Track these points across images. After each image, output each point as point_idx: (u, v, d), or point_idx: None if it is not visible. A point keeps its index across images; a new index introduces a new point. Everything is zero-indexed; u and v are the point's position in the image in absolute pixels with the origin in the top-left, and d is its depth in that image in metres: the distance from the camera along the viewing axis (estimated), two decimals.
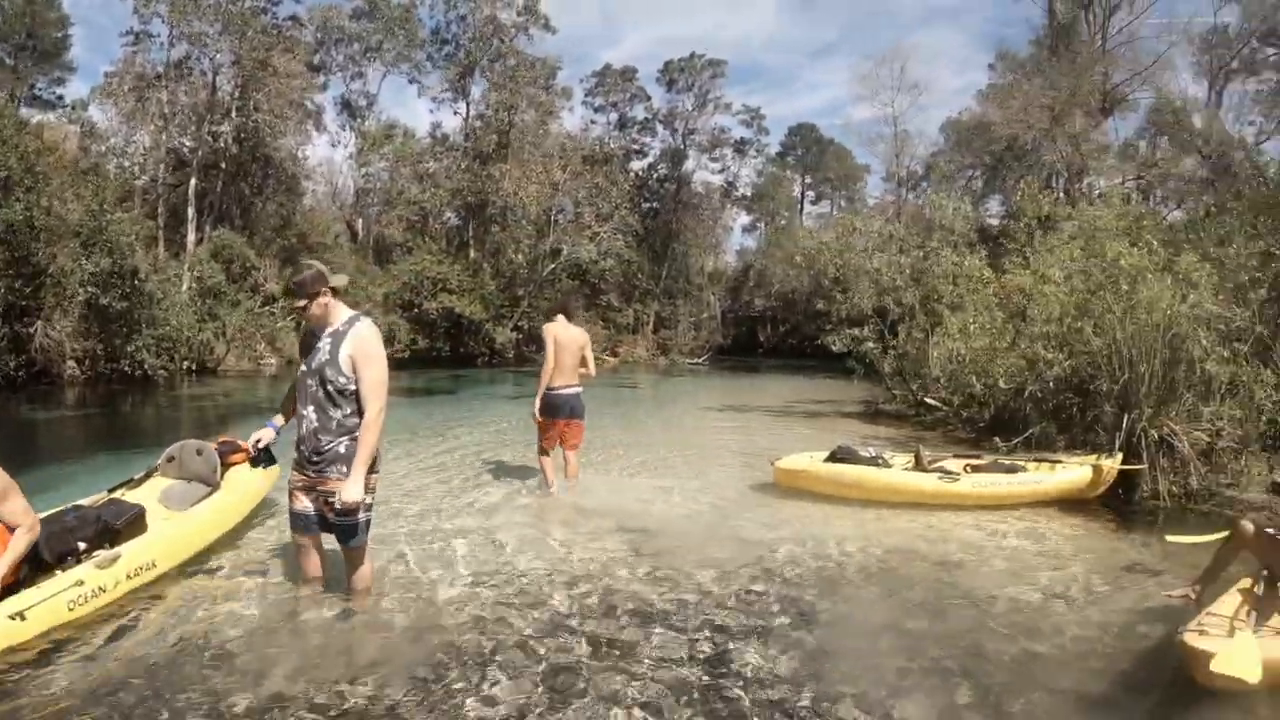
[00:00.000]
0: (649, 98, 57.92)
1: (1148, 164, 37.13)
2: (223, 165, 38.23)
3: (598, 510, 9.61)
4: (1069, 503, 10.59)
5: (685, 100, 57.60)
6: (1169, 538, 7.71)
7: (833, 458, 10.81)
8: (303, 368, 5.88)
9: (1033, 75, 38.56)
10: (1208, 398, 11.54)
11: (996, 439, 13.64)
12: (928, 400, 18.01)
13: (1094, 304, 12.46)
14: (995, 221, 34.04)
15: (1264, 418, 11.38)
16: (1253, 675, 4.89)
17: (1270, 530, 6.56)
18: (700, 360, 50.01)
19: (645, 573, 7.40)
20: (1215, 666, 4.94)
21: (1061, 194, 29.24)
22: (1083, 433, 12.34)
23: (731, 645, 5.80)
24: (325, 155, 46.80)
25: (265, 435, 6.43)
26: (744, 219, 69.31)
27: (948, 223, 21.26)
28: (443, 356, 39.65)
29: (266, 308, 33.80)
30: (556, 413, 10.07)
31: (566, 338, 10.06)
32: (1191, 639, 5.24)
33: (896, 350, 19.44)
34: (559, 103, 50.50)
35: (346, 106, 46.94)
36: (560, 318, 10.24)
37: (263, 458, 6.24)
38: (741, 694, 5.08)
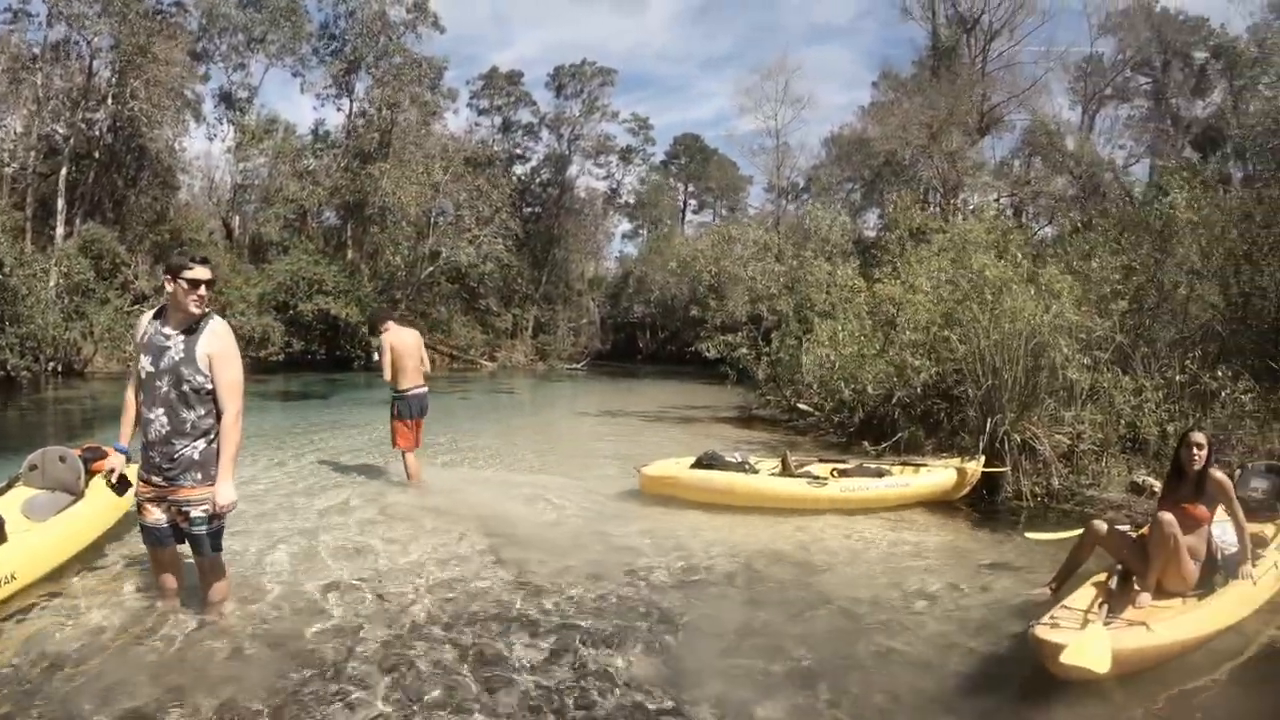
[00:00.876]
0: (534, 102, 57.62)
1: (1021, 182, 38.23)
2: (96, 155, 36.62)
3: (464, 515, 9.50)
4: (935, 504, 10.86)
5: (573, 106, 57.28)
6: (1028, 534, 8.09)
7: (699, 463, 10.71)
8: (147, 369, 5.49)
9: (913, 94, 39.40)
10: (1070, 403, 11.96)
11: (865, 443, 13.87)
12: (800, 405, 18.22)
13: (960, 313, 12.78)
14: (872, 233, 34.62)
15: (1123, 422, 11.80)
16: (1101, 665, 5.06)
17: (1120, 528, 6.86)
18: (579, 366, 49.52)
19: (509, 578, 7.34)
20: (1065, 658, 5.08)
21: (937, 208, 29.83)
22: (950, 436, 12.71)
23: (594, 650, 5.78)
24: (203, 148, 45.35)
25: (116, 463, 5.92)
26: (626, 226, 69.40)
27: (823, 233, 21.57)
28: (318, 360, 38.65)
29: (137, 306, 32.21)
30: (409, 413, 10.74)
31: (403, 342, 10.72)
32: (1043, 632, 5.41)
33: (770, 357, 19.55)
34: (444, 103, 49.68)
35: (226, 99, 45.03)
36: (390, 324, 10.86)
37: (121, 486, 5.88)
38: (601, 699, 5.07)
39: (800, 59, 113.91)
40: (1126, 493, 10.92)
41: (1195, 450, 6.60)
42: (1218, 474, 6.60)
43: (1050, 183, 36.83)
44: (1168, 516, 6.26)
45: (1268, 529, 7.96)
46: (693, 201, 71.38)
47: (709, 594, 7.30)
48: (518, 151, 57.76)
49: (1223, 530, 7.31)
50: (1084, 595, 6.18)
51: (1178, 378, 12.28)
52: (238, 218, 45.53)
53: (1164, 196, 16.04)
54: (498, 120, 57.23)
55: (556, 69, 57.01)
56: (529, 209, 56.20)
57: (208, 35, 43.50)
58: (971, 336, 12.00)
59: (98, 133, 36.84)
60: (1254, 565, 6.75)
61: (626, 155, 61.75)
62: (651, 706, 4.99)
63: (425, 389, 10.94)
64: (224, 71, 44.79)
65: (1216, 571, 6.67)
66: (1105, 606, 5.94)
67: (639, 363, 54.48)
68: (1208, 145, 34.76)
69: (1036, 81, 42.00)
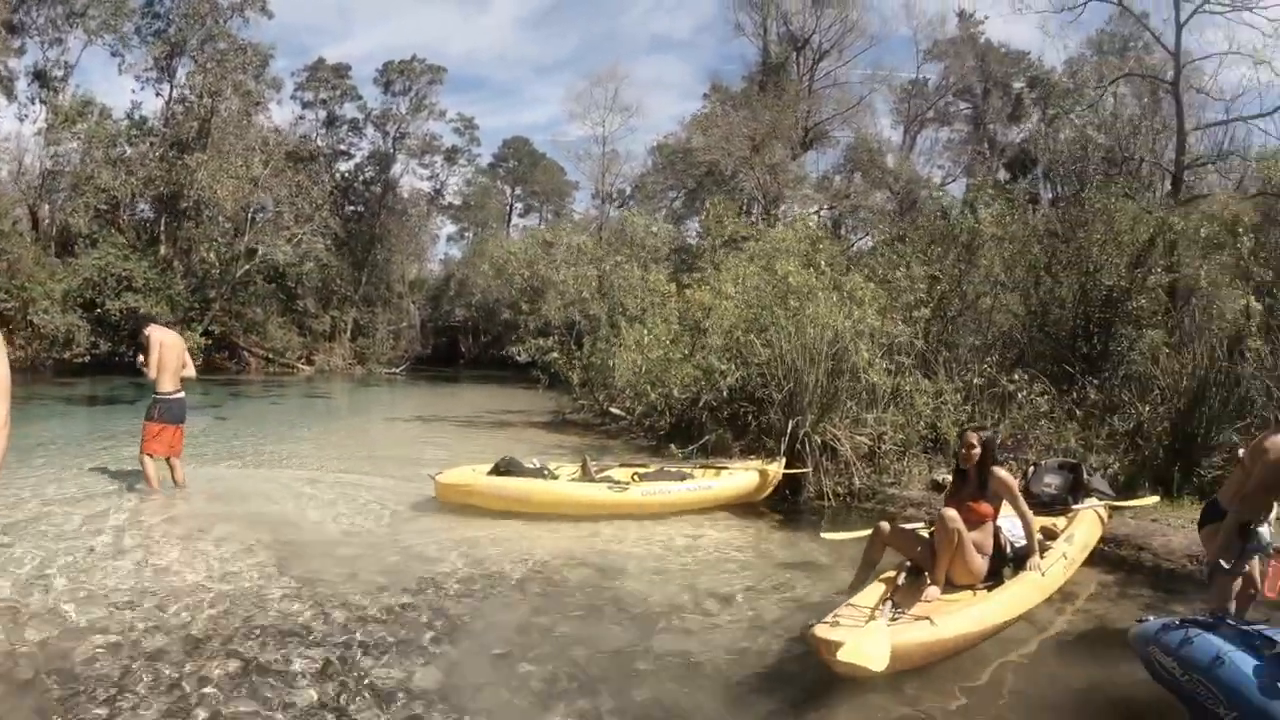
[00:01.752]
0: (360, 96, 55.81)
1: (840, 195, 39.07)
2: None
3: (255, 524, 9.02)
4: (739, 506, 10.79)
5: (400, 104, 55.84)
6: (824, 535, 8.03)
7: (496, 470, 10.31)
8: None
9: (739, 107, 39.88)
10: (872, 406, 12.12)
11: (673, 446, 13.82)
12: (612, 410, 18.04)
13: (763, 318, 12.85)
14: (695, 241, 34.90)
15: (923, 423, 11.95)
16: (878, 663, 5.00)
17: (909, 526, 6.89)
18: (398, 370, 48.36)
19: (295, 588, 6.97)
20: (842, 655, 5.01)
21: (758, 219, 30.24)
22: (757, 439, 12.63)
23: (374, 662, 5.55)
24: (13, 129, 41.91)
25: None
26: (451, 228, 68.34)
27: (639, 239, 21.56)
28: (127, 362, 36.09)
29: None
30: (169, 417, 10.13)
31: (170, 340, 10.28)
32: (822, 631, 5.36)
33: (582, 361, 19.33)
34: (268, 94, 47.17)
35: (39, 76, 41.40)
36: (153, 327, 10.46)
37: None
38: (379, 713, 4.86)
39: (633, 68, 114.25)
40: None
41: (968, 448, 6.73)
42: (1000, 471, 6.66)
43: (869, 197, 37.77)
44: (950, 512, 6.35)
45: (1059, 522, 8.23)
46: (519, 205, 70.98)
47: (498, 602, 7.09)
48: (342, 147, 55.88)
49: (1012, 524, 7.51)
50: (872, 593, 6.20)
51: (976, 381, 12.63)
52: (46, 206, 42.17)
53: (974, 212, 16.52)
54: (322, 114, 55.33)
55: (385, 65, 55.52)
56: (351, 208, 54.39)
57: (25, 6, 40.29)
58: (775, 341, 12.02)
59: None
60: (1042, 557, 6.91)
61: (451, 156, 60.49)
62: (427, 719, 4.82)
63: (182, 394, 10.35)
64: (39, 46, 41.44)
65: (1006, 564, 6.79)
66: (891, 603, 5.97)
67: (460, 367, 53.70)
68: (1020, 168, 36.32)
69: (861, 100, 43.22)
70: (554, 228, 32.64)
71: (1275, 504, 5.78)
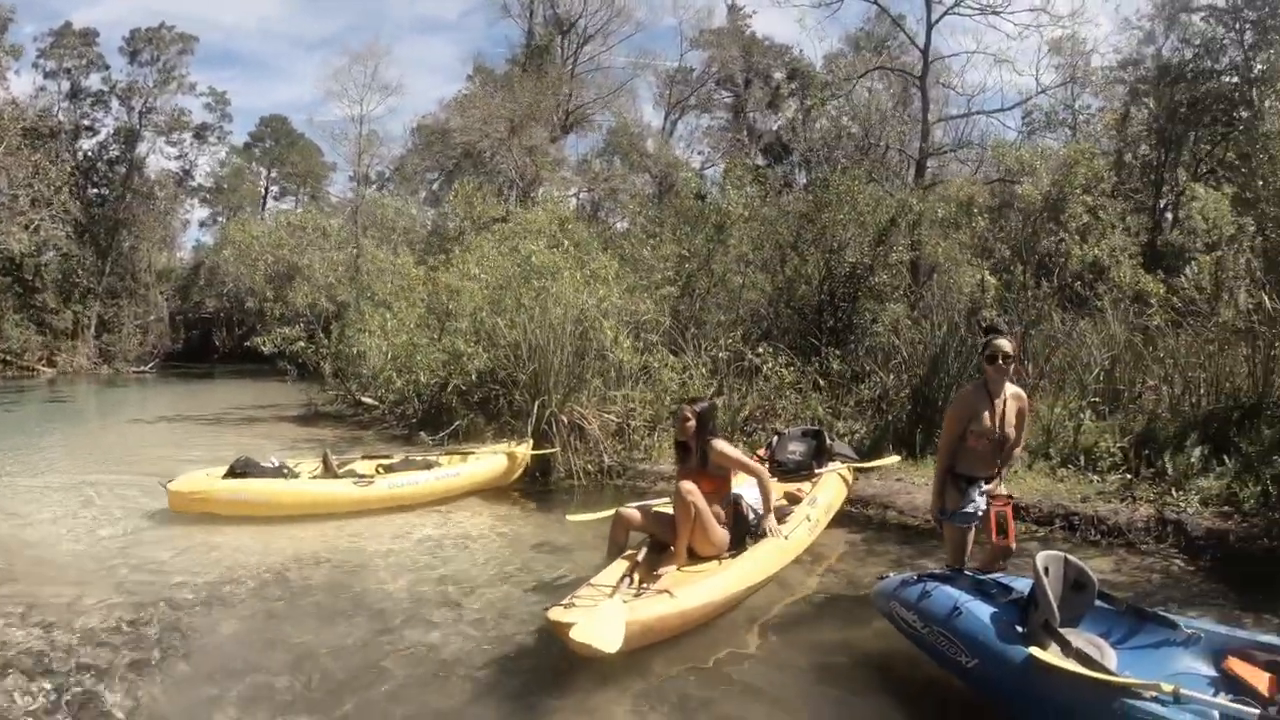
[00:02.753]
0: (108, 66, 50.66)
1: (599, 178, 39.15)
2: None
3: None
4: (489, 491, 10.60)
5: (148, 75, 50.93)
6: (569, 518, 7.81)
7: (231, 473, 9.55)
8: None
9: (499, 88, 39.39)
10: (620, 383, 12.14)
11: (423, 434, 13.52)
12: (364, 399, 17.50)
13: (506, 298, 12.64)
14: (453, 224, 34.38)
15: (669, 398, 11.96)
16: (611, 643, 4.91)
17: (647, 504, 6.93)
18: (147, 368, 45.32)
19: (15, 614, 6.33)
20: (575, 636, 4.91)
21: (515, 201, 29.99)
22: (510, 422, 12.35)
23: (103, 685, 5.14)
24: None
25: None
26: (203, 212, 64.11)
27: (390, 222, 21.06)
28: None
29: None
30: None
31: None
32: (556, 613, 5.27)
33: (329, 349, 18.68)
34: (6, 61, 42.35)
35: None
36: None
37: None
38: None
39: (399, 49, 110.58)
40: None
41: (683, 422, 6.76)
42: (717, 443, 6.65)
43: (628, 181, 38.00)
44: (687, 485, 6.32)
45: (805, 487, 8.33)
46: (275, 188, 67.47)
47: (236, 612, 6.66)
48: (85, 123, 50.81)
49: (755, 493, 7.61)
50: (614, 571, 6.12)
51: (722, 355, 12.79)
52: None
53: (724, 192, 16.78)
54: (66, 86, 49.97)
55: (132, 32, 50.79)
56: (94, 190, 50.04)
57: None
58: (519, 322, 11.85)
59: None
60: (784, 522, 7.07)
61: (202, 133, 56.12)
62: None
63: None
64: None
65: (749, 532, 6.81)
66: (630, 580, 5.93)
67: (215, 362, 50.71)
68: (776, 154, 37.49)
69: (624, 85, 43.64)
70: (305, 211, 31.10)
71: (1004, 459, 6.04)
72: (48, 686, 5.10)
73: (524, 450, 10.93)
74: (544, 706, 4.96)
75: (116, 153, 51.70)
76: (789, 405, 12.31)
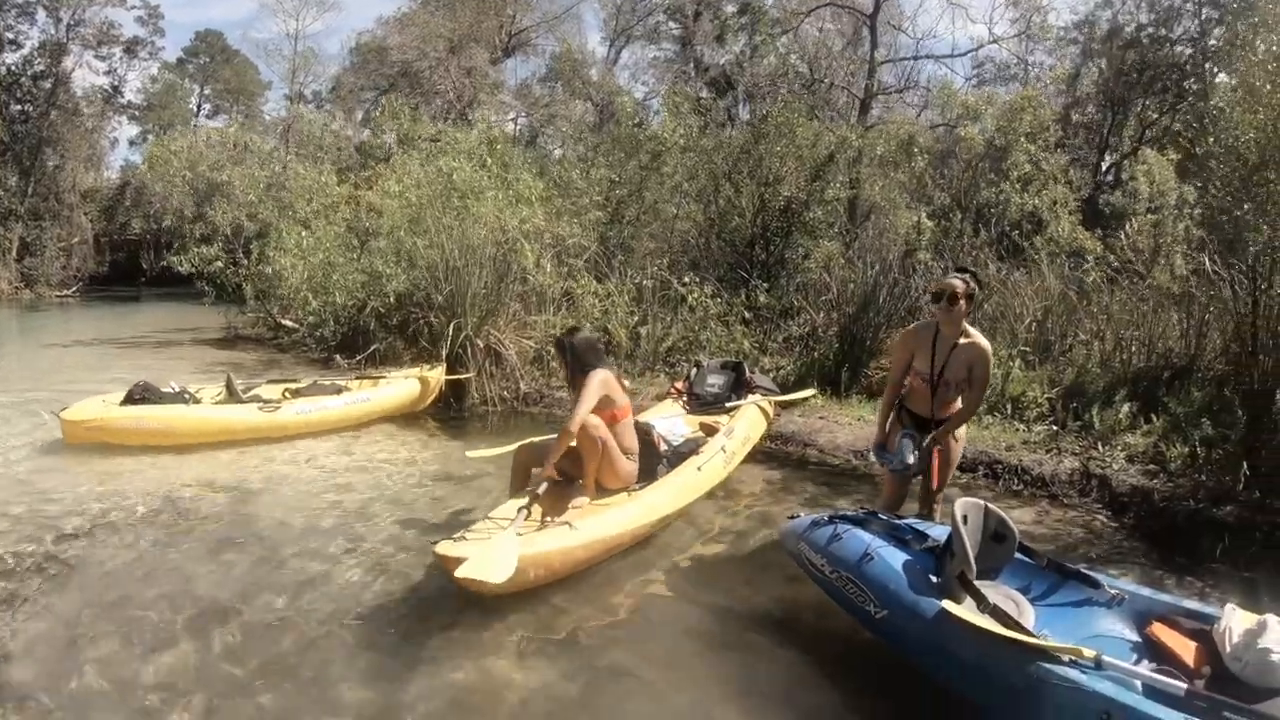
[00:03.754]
0: None
1: (539, 104, 38.55)
2: None
3: None
4: (401, 418, 10.29)
5: None
6: (468, 454, 7.40)
7: (129, 399, 8.99)
8: None
9: (440, 7, 38.46)
10: (541, 308, 11.88)
11: (338, 357, 13.27)
12: (284, 322, 16.99)
13: (426, 218, 12.20)
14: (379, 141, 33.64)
15: (590, 325, 11.58)
16: (498, 577, 4.69)
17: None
18: (70, 291, 43.90)
19: None
20: (461, 572, 4.71)
21: (453, 123, 29.42)
22: (431, 346, 11.94)
23: None
24: None
25: None
26: (131, 130, 62.25)
27: (317, 140, 20.49)
28: None
29: None
30: None
31: None
32: (444, 547, 5.08)
33: (249, 270, 18.00)
34: None
35: None
36: None
37: None
38: None
39: None
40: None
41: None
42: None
43: (568, 107, 37.36)
44: (592, 419, 6.03)
45: (721, 419, 8.02)
46: (208, 105, 65.64)
47: (123, 540, 6.42)
48: (9, 36, 48.01)
49: (670, 424, 7.39)
50: (515, 504, 5.85)
51: (647, 283, 12.42)
52: None
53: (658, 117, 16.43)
54: None
55: None
56: (17, 107, 48.07)
57: None
58: (437, 242, 11.45)
59: None
60: (697, 454, 6.88)
61: (132, 48, 54.16)
62: (18, 678, 4.43)
63: None
64: None
65: (660, 463, 6.65)
66: (528, 513, 5.68)
67: (142, 285, 49.29)
68: (721, 89, 36.94)
69: (569, 10, 42.64)
70: (228, 126, 30.00)
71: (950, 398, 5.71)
72: None
73: (437, 375, 10.58)
74: (427, 644, 4.76)
75: (41, 67, 49.02)
76: (714, 338, 12.00)
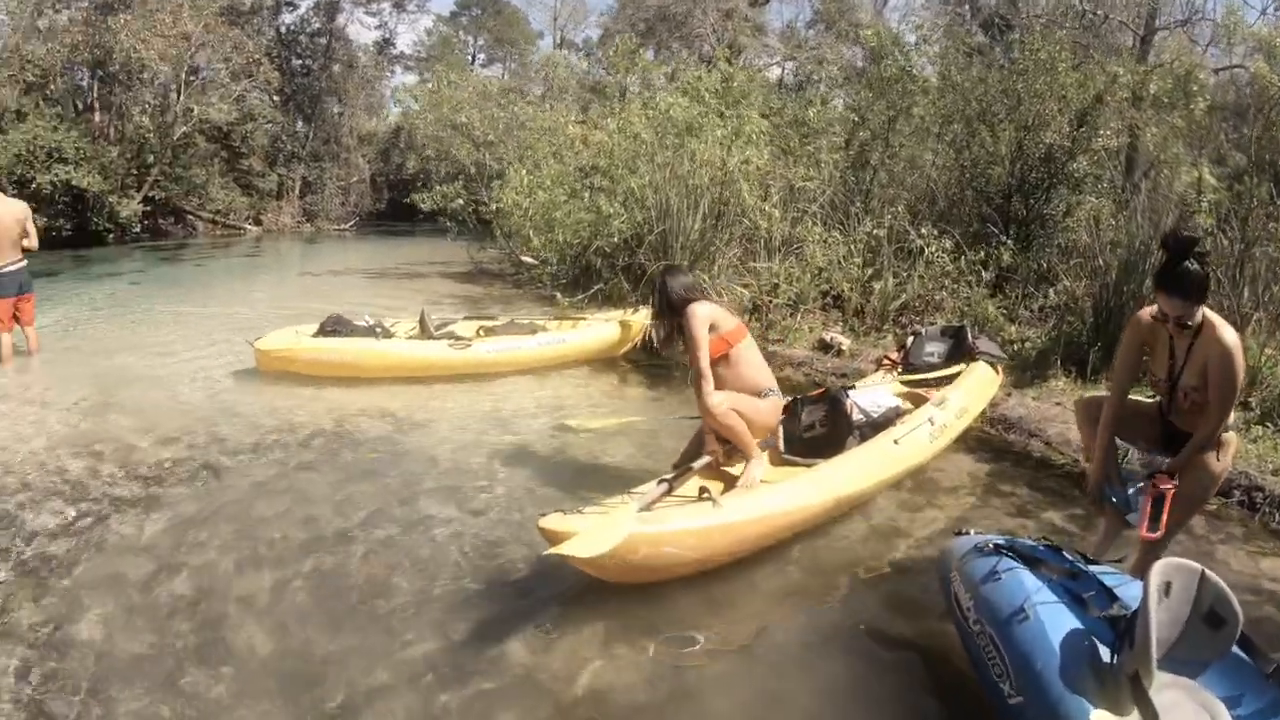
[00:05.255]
0: None
1: (805, 47, 37.31)
2: None
3: (85, 385, 8.84)
4: (600, 362, 9.86)
5: None
6: (569, 423, 7.30)
7: (322, 331, 9.13)
8: None
9: None
10: (768, 254, 11.05)
11: (558, 295, 12.97)
12: (525, 258, 16.84)
13: (643, 153, 11.71)
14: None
15: (821, 277, 10.74)
16: (584, 552, 4.01)
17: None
18: (347, 227, 47.08)
19: (81, 446, 6.90)
20: (557, 550, 4.06)
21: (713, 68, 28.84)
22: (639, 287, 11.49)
23: (115, 517, 5.52)
24: None
25: None
26: (409, 78, 65.39)
27: (560, 82, 20.37)
28: (64, 236, 34.18)
29: None
30: (4, 291, 9.82)
31: (2, 213, 9.75)
32: (550, 520, 4.27)
33: (489, 207, 17.94)
34: None
35: None
36: None
37: None
38: (89, 560, 4.90)
39: None
40: (813, 349, 10.04)
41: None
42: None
43: (835, 51, 35.91)
44: (714, 401, 5.19)
45: (932, 391, 6.93)
46: (482, 56, 68.05)
47: (274, 459, 6.70)
48: None
49: (875, 395, 6.37)
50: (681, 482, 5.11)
51: (878, 232, 11.35)
52: None
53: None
54: None
55: None
56: (298, 61, 51.82)
57: None
58: (652, 180, 10.85)
59: None
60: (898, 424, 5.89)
61: (400, 3, 57.47)
62: (134, 575, 4.73)
63: (23, 264, 9.98)
64: None
65: (851, 434, 5.78)
66: (670, 488, 4.90)
67: (418, 221, 51.68)
68: (996, 31, 34.71)
69: None
70: (462, 69, 30.31)
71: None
72: (72, 513, 5.53)
73: (640, 319, 9.94)
74: (519, 614, 4.35)
75: (317, 25, 52.99)
76: (955, 301, 10.72)
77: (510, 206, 14.86)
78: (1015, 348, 9.11)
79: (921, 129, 13.99)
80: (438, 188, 19.10)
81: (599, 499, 4.65)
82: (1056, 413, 7.67)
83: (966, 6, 39.97)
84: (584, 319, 10.18)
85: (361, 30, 54.75)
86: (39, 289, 10.78)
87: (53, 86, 38.39)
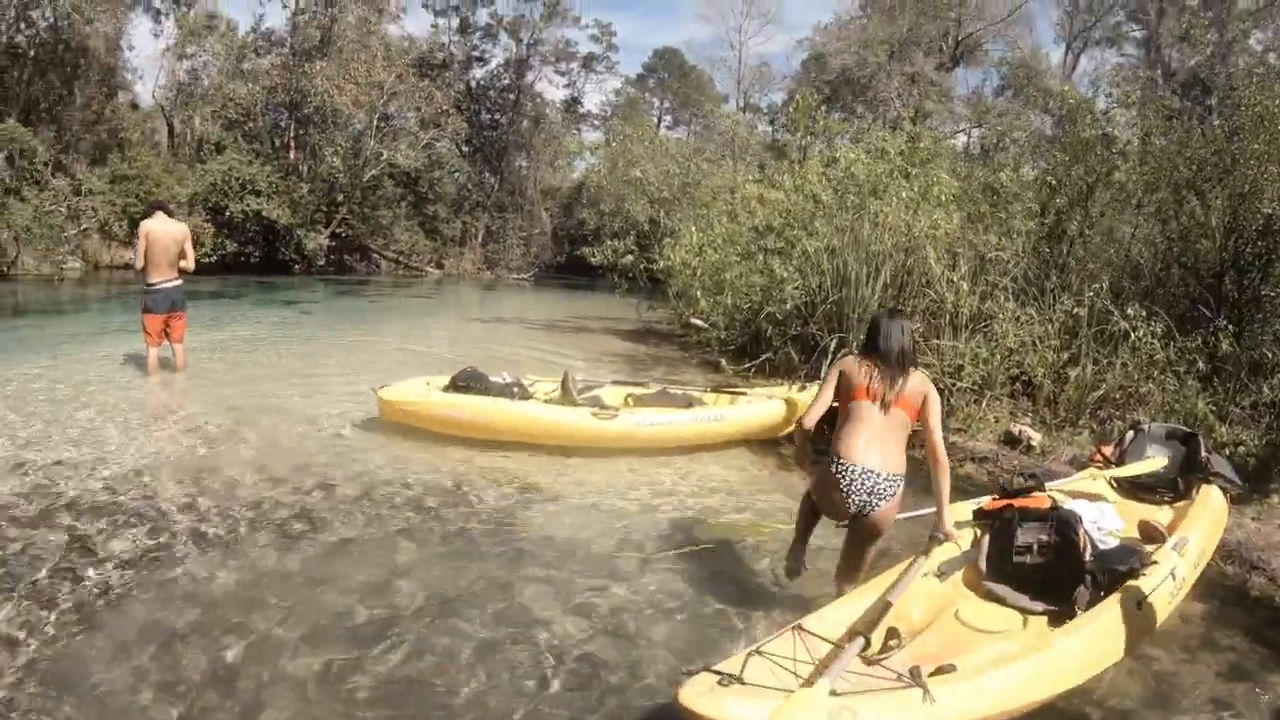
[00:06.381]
0: (492, 2, 54.33)
1: (993, 113, 36.11)
2: (32, 53, 34.50)
3: (212, 412, 8.97)
4: (758, 443, 8.87)
5: (534, 8, 54.29)
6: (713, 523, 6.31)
7: (454, 385, 8.47)
8: None
9: (877, 11, 37.55)
10: (956, 331, 10.07)
11: (724, 362, 12.42)
12: (693, 320, 16.24)
13: (819, 213, 11.04)
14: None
15: (1011, 359, 9.76)
16: None
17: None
18: (526, 276, 48.19)
19: (190, 473, 6.94)
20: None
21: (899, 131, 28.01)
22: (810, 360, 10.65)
23: (191, 552, 5.39)
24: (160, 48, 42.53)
25: None
26: (597, 136, 66.88)
27: (740, 141, 19.94)
28: (253, 263, 36.46)
29: (56, 207, 30.99)
30: (157, 307, 10.40)
31: (160, 233, 10.32)
32: (693, 693, 3.24)
33: (659, 265, 17.39)
34: (393, 2, 46.51)
35: None
36: (159, 214, 10.59)
37: None
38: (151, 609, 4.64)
39: None
40: (999, 444, 8.92)
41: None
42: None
43: (1023, 118, 34.52)
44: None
45: (1163, 515, 5.84)
46: (668, 118, 68.73)
47: (367, 517, 6.25)
48: (475, 54, 54.87)
49: (1100, 511, 5.38)
50: (843, 611, 4.14)
51: (1081, 311, 10.06)
52: (178, 117, 42.72)
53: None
54: (455, 22, 54.06)
55: None
56: (486, 115, 54.03)
57: None
58: (830, 244, 10.08)
59: (35, 30, 34.78)
60: (1145, 568, 4.64)
61: (589, 63, 59.66)
62: (182, 626, 4.45)
63: (178, 283, 10.56)
64: None
65: (1081, 581, 4.55)
66: (866, 643, 3.77)
67: (597, 276, 52.01)
68: (1195, 96, 32.85)
69: (1017, 10, 39.70)
70: (637, 123, 30.36)
71: None
72: (149, 544, 5.45)
73: (808, 397, 8.74)
74: None
75: (507, 81, 55.87)
76: (1162, 394, 9.36)
77: (679, 265, 14.30)
78: (1228, 452, 7.67)
79: (1121, 198, 12.72)
80: (609, 242, 18.79)
81: (758, 636, 3.84)
82: None
83: (1159, 70, 38.17)
84: (744, 393, 9.27)
85: (550, 88, 55.89)
86: (220, 309, 10.99)
87: (251, 124, 40.88)
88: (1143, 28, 41.00)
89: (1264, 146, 10.70)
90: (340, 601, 4.78)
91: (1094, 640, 4.08)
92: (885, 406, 4.75)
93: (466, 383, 8.40)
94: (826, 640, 3.71)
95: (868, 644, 3.74)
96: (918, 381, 4.83)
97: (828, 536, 5.25)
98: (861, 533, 4.73)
